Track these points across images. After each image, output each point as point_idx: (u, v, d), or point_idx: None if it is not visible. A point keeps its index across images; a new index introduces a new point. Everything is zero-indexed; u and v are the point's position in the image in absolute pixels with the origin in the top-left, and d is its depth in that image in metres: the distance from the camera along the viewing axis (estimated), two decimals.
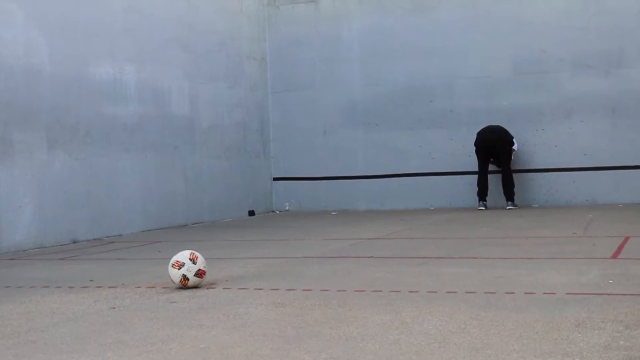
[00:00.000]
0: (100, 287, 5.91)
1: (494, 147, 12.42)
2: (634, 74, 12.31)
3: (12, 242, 8.68)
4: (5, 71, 8.72)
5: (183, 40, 12.00)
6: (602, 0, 12.49)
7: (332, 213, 13.30)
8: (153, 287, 5.75)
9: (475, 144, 12.51)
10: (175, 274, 5.57)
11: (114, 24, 10.58)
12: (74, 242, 9.58)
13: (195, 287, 5.59)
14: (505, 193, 12.41)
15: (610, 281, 5.25)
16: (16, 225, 8.48)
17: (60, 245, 9.31)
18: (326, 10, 14.12)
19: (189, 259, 5.59)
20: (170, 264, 5.62)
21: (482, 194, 12.45)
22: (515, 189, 12.44)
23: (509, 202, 12.35)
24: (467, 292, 5.02)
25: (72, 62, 9.75)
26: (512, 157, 12.52)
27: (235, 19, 13.49)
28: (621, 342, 3.61)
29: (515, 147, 12.48)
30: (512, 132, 12.66)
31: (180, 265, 5.56)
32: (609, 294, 4.78)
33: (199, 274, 5.62)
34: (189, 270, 5.58)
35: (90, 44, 10.11)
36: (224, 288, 5.61)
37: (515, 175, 12.66)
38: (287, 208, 14.27)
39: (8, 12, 8.94)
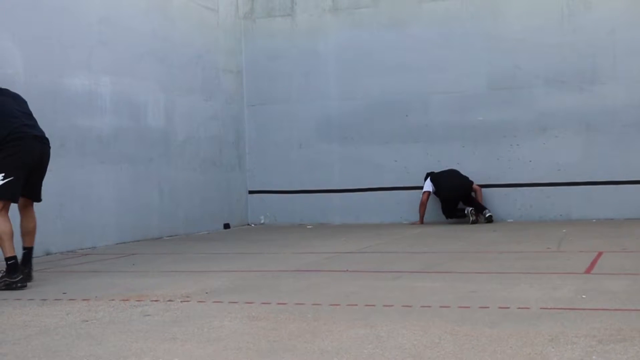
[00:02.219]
0: (74, 299, 5.87)
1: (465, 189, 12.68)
2: (607, 90, 12.42)
3: None
4: None
5: (159, 52, 11.98)
6: (575, 17, 12.61)
7: (308, 226, 13.29)
8: (127, 300, 5.72)
9: (443, 191, 12.72)
10: None
11: (90, 35, 10.54)
12: (47, 254, 9.50)
13: None
14: (477, 208, 12.49)
15: (584, 296, 5.28)
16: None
17: (33, 257, 9.21)
18: (303, 24, 14.16)
19: None
20: None
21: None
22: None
23: (486, 210, 12.46)
24: (441, 307, 5.03)
25: (47, 73, 9.70)
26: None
27: (211, 32, 13.49)
28: (594, 357, 3.63)
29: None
30: (487, 148, 12.78)
31: None
32: (582, 309, 4.80)
33: None
34: None
35: (66, 55, 10.07)
36: (199, 301, 5.59)
37: (489, 190, 12.77)
38: (262, 221, 14.25)
39: None
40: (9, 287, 6.54)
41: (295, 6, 14.25)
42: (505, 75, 12.92)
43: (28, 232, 7.01)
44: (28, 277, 6.90)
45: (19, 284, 6.58)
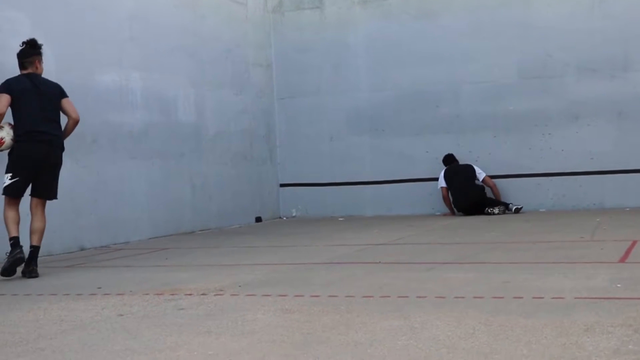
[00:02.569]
0: (108, 294, 5.92)
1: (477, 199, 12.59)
2: (639, 78, 12.29)
3: None
4: None
5: (189, 47, 12.02)
6: (606, 4, 12.49)
7: (339, 219, 13.29)
8: (161, 294, 5.76)
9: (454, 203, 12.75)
10: None
11: (120, 32, 10.60)
12: (82, 249, 9.59)
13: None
14: (501, 207, 12.42)
15: (619, 285, 5.24)
16: (23, 233, 8.47)
17: (68, 252, 9.32)
18: (331, 17, 14.14)
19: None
20: None
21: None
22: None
23: (510, 204, 12.39)
24: (475, 298, 5.02)
25: (79, 70, 9.77)
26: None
27: (240, 26, 13.51)
28: (630, 346, 3.60)
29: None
30: (518, 137, 12.73)
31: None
32: (617, 298, 4.77)
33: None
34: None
35: (97, 52, 10.13)
36: (232, 295, 5.61)
37: (521, 180, 12.75)
38: (294, 214, 14.27)
39: (15, 21, 8.96)
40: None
41: None
42: (536, 64, 12.83)
43: (35, 231, 7.31)
44: (33, 273, 7.14)
45: (9, 261, 7.01)
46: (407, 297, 5.17)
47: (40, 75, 7.57)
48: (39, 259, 7.30)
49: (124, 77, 10.62)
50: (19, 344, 4.28)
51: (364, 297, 5.25)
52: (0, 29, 8.78)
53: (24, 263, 7.13)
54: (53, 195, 7.45)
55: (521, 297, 4.94)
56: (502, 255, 7.35)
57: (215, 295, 5.62)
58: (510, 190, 12.79)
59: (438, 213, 13.10)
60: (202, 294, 5.66)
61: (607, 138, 12.46)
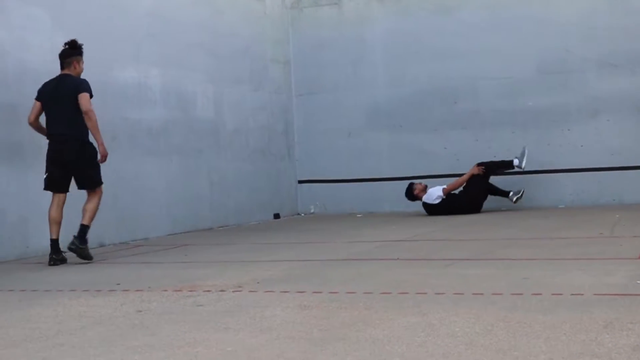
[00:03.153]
0: (127, 290, 5.94)
1: None
2: None
3: (39, 247, 8.74)
4: (31, 76, 8.77)
5: (207, 44, 12.04)
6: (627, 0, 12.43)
7: (358, 215, 13.29)
8: (179, 291, 5.77)
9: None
10: None
11: (139, 28, 10.63)
12: (101, 245, 9.63)
13: None
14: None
15: (638, 282, 5.21)
16: (43, 229, 8.51)
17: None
18: (349, 13, 14.13)
19: None
20: None
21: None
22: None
23: (511, 192, 12.28)
24: (493, 294, 5.00)
25: (97, 67, 9.78)
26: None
27: (258, 22, 13.52)
28: None
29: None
30: (537, 133, 12.67)
31: None
32: (637, 295, 4.74)
33: None
34: None
35: (115, 49, 10.17)
36: (250, 291, 5.62)
37: (541, 176, 12.69)
38: (312, 211, 14.27)
39: (35, 18, 9.01)
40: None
41: None
42: (555, 59, 12.77)
43: (84, 210, 8.10)
44: (82, 253, 7.97)
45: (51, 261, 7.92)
46: (425, 293, 5.16)
47: (70, 75, 8.05)
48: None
49: (143, 74, 10.65)
50: (39, 339, 4.31)
51: (382, 293, 5.24)
52: (21, 26, 8.83)
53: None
54: (88, 186, 8.12)
55: (540, 294, 4.92)
56: (521, 251, 7.33)
57: (233, 291, 5.63)
58: (529, 186, 12.72)
59: None
60: (221, 291, 5.67)
61: (627, 134, 12.38)
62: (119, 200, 10.06)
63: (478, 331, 3.97)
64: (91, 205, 8.06)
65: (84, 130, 7.98)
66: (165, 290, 5.82)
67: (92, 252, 8.15)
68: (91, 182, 8.11)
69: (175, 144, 11.23)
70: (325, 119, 14.23)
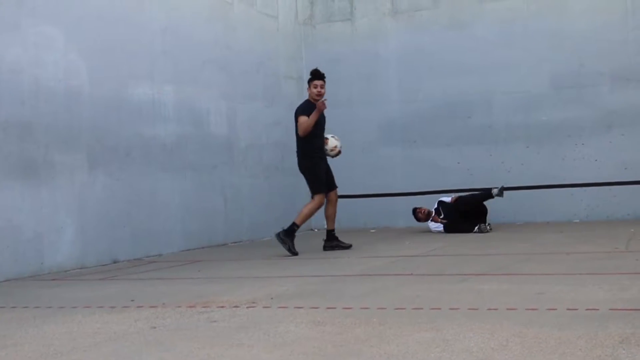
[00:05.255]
0: (141, 306, 5.95)
1: None
2: None
3: (53, 263, 8.77)
4: (46, 94, 8.83)
5: (220, 60, 12.08)
6: None
7: (371, 230, 13.27)
8: (193, 307, 5.77)
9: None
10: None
11: (152, 45, 10.68)
12: (115, 262, 9.65)
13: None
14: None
15: None
16: (58, 245, 8.56)
17: (101, 265, 9.38)
18: (362, 28, 14.16)
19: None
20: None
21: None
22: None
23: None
24: (508, 309, 4.98)
25: (112, 84, 9.85)
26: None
27: (272, 39, 13.57)
28: None
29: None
30: (551, 147, 12.63)
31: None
32: None
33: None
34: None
35: (129, 66, 10.21)
36: (264, 307, 5.62)
37: (555, 190, 12.64)
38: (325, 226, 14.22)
39: (49, 36, 9.05)
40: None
41: (354, 10, 14.27)
42: (569, 74, 12.76)
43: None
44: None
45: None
46: (439, 308, 5.14)
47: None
48: (73, 271, 7.52)
49: (157, 90, 10.69)
50: (54, 356, 4.31)
51: (396, 309, 5.23)
52: (36, 44, 8.88)
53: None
54: (311, 191, 10.24)
55: (555, 309, 4.90)
56: (536, 266, 7.30)
57: (247, 307, 5.63)
58: (543, 201, 12.70)
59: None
60: (235, 306, 5.67)
61: None
62: (132, 217, 10.07)
63: (493, 347, 3.95)
64: (306, 209, 10.15)
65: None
66: (179, 307, 5.82)
67: (106, 268, 8.14)
68: (310, 189, 10.26)
69: (190, 160, 11.26)
70: (338, 134, 14.13)
